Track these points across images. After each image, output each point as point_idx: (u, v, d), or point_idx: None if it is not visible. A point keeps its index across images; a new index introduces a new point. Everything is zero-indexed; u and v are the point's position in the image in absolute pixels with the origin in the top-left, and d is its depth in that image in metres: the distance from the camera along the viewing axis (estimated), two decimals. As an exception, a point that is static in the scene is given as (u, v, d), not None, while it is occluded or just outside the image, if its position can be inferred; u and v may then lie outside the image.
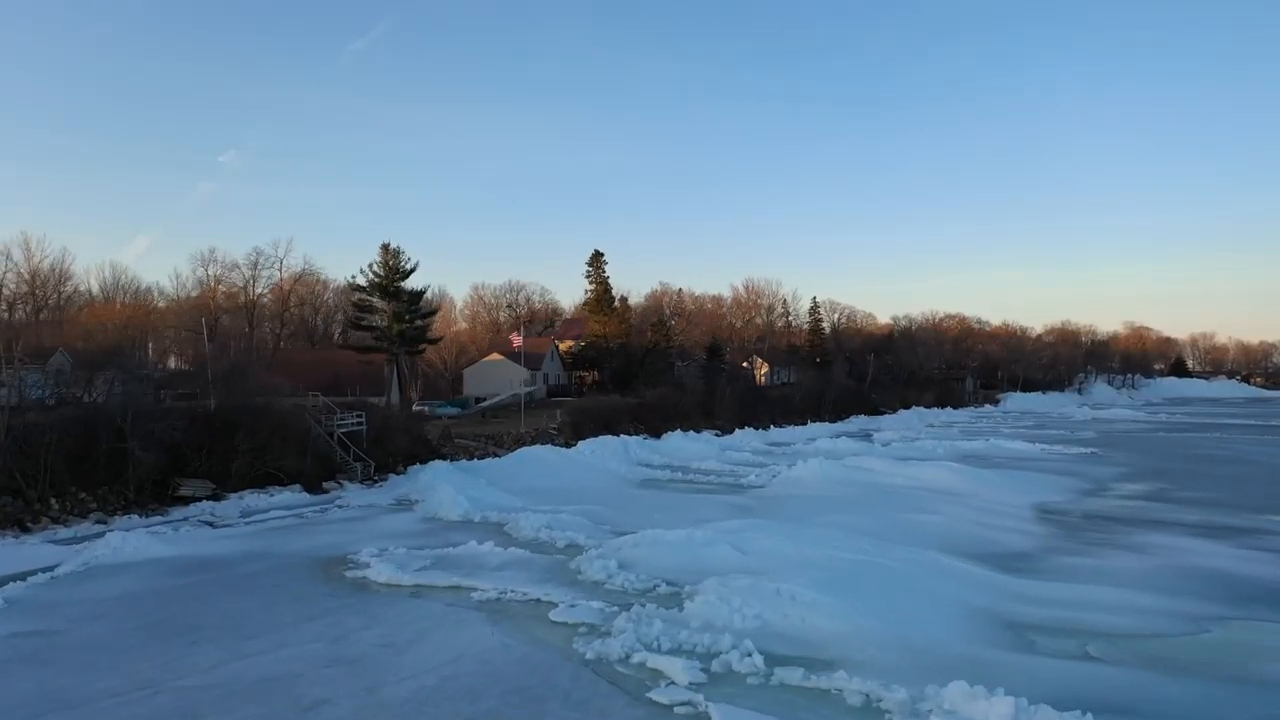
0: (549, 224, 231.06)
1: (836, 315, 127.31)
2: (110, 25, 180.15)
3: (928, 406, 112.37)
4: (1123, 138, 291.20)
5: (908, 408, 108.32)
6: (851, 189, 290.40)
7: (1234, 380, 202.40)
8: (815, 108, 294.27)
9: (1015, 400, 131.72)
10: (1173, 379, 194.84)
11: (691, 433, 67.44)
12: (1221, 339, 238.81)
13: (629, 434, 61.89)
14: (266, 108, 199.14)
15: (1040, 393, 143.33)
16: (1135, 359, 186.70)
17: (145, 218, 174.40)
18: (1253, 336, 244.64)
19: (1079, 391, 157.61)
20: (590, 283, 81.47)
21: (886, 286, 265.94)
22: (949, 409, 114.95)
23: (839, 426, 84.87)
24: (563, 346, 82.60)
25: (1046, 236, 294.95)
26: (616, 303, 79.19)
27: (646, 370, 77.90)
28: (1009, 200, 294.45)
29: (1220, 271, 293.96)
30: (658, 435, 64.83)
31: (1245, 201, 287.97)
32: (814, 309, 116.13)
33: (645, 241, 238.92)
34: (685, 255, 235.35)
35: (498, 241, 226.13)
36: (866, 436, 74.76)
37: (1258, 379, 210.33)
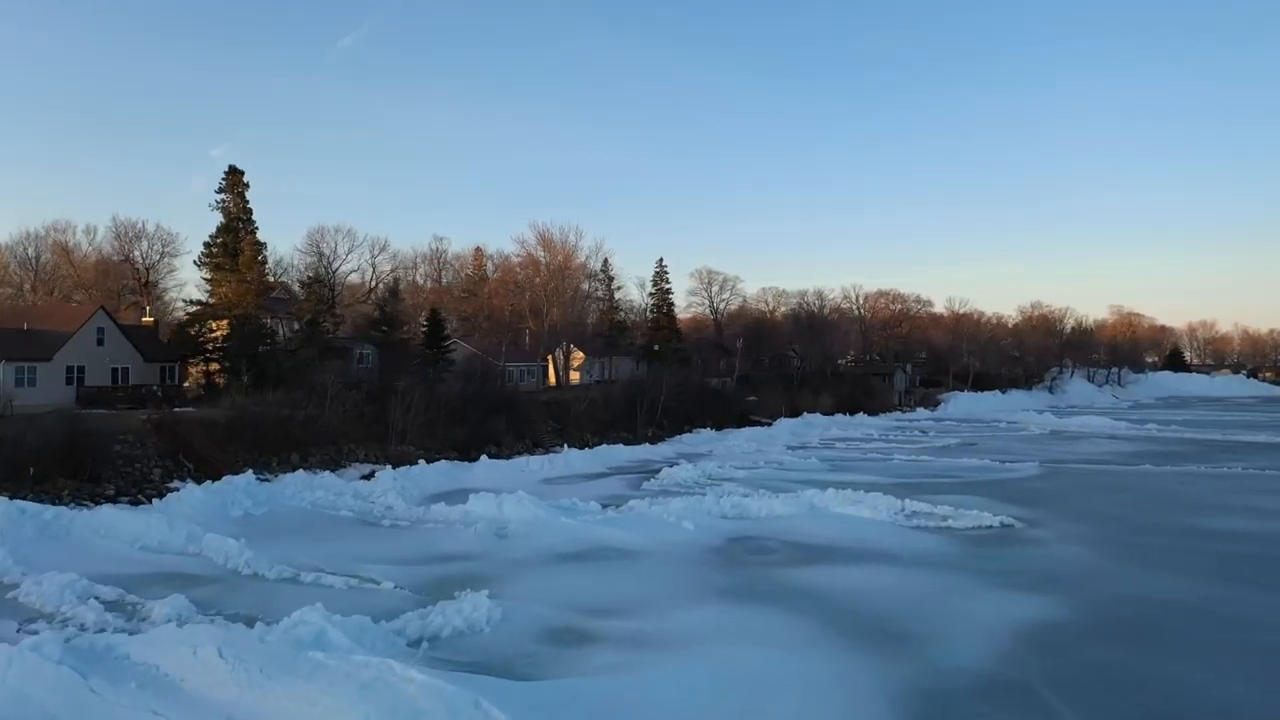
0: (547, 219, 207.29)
1: (716, 289, 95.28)
2: (102, 22, 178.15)
3: (828, 412, 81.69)
4: (1114, 114, 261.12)
5: (796, 415, 77.76)
6: (806, 170, 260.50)
7: (1239, 375, 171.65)
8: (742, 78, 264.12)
9: (960, 402, 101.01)
10: (1167, 374, 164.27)
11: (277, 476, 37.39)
12: (1224, 328, 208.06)
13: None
14: (258, 103, 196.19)
15: (998, 392, 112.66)
16: (1124, 350, 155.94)
17: (139, 212, 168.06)
18: (1260, 325, 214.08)
19: (1050, 390, 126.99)
20: (223, 215, 49.47)
21: (833, 271, 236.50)
22: (861, 415, 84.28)
23: (636, 452, 54.14)
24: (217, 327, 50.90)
25: (1021, 217, 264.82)
26: (244, 248, 46.84)
27: (298, 362, 46.94)
28: (980, 182, 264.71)
29: (1221, 254, 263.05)
30: (215, 477, 35.25)
31: (1247, 178, 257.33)
32: (660, 275, 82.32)
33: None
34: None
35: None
36: (647, 476, 44.23)
37: (1267, 373, 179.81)
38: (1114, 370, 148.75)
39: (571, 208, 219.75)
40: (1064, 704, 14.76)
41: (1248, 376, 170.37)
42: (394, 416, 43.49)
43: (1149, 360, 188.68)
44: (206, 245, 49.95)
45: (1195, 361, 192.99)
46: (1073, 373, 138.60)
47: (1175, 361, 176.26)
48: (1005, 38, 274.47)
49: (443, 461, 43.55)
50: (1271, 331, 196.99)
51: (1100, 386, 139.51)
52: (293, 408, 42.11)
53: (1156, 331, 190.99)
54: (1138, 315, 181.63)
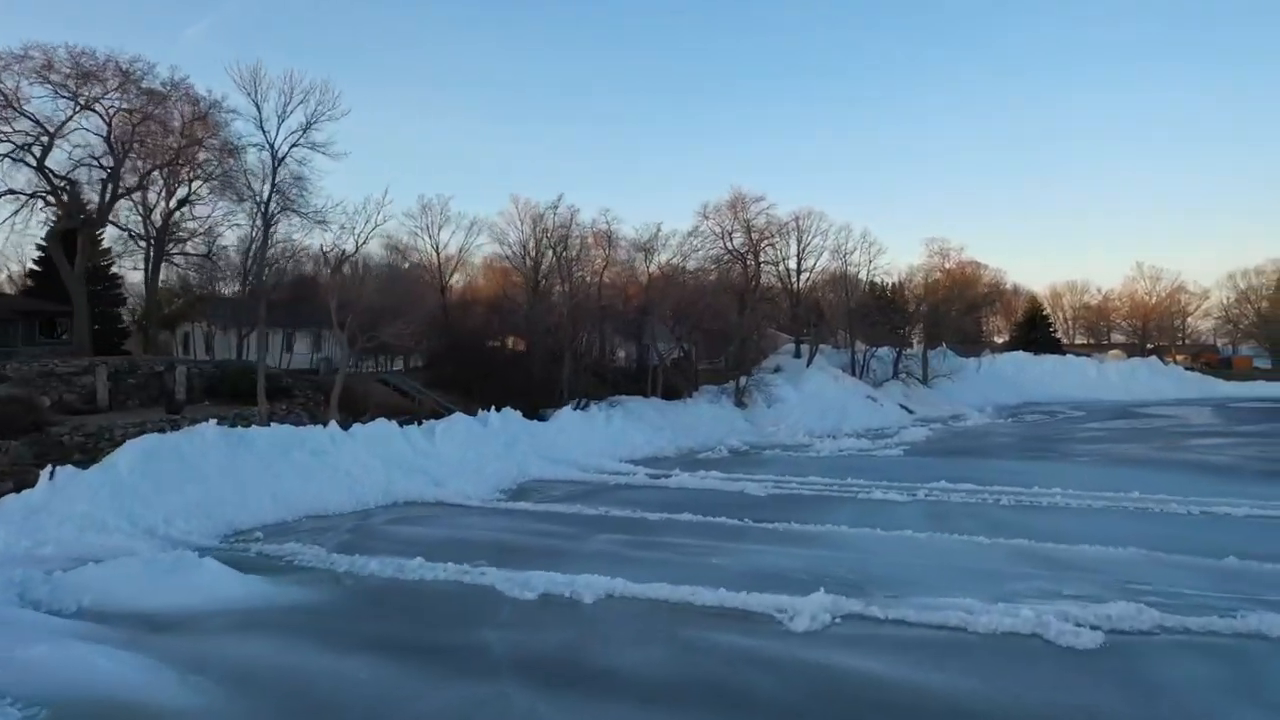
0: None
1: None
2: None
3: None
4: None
5: None
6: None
7: (1147, 359, 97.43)
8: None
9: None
10: (1023, 357, 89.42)
11: None
12: (1110, 285, 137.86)
13: None
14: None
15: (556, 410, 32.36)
16: (937, 315, 79.63)
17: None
18: (1149, 287, 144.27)
19: (739, 400, 48.87)
20: None
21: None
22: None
23: None
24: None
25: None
26: None
27: None
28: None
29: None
30: None
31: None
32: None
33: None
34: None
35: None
36: None
37: (1179, 355, 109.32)
38: (920, 350, 72.52)
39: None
40: None
41: (1169, 362, 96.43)
42: None
43: (997, 340, 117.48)
44: None
45: (1068, 340, 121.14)
46: (811, 357, 61.40)
47: (1036, 335, 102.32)
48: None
49: None
50: (1172, 289, 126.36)
51: (880, 385, 62.47)
52: None
53: (1009, 294, 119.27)
54: (974, 264, 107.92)
